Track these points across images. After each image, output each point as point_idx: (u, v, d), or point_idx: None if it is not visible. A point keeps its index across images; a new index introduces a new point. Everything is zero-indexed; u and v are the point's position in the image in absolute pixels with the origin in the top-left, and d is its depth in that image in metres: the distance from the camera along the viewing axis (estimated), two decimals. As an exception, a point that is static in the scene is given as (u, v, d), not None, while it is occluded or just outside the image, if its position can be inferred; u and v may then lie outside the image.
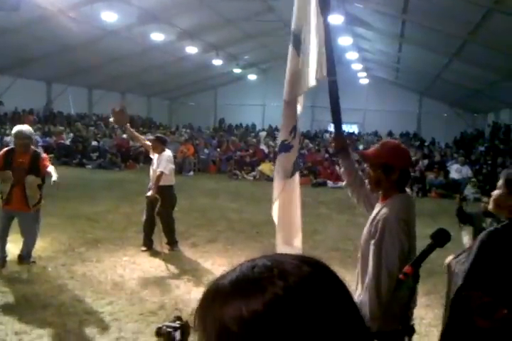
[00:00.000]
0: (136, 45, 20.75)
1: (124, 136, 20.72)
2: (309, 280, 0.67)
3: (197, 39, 21.70)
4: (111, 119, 7.04)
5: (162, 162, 6.63)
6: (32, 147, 5.82)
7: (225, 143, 21.37)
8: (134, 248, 6.86)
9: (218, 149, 20.62)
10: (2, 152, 5.72)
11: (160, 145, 6.81)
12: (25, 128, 5.67)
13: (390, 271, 2.31)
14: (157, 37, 20.08)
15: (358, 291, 2.52)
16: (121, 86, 27.96)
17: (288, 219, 3.35)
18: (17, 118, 22.68)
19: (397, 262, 2.30)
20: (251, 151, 19.66)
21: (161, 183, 6.58)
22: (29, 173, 5.56)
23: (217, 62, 25.52)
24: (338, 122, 3.08)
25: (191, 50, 22.45)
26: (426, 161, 17.59)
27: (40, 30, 17.44)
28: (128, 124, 6.83)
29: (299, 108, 3.30)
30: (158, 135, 7.53)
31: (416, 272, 2.01)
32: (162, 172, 6.56)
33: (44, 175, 5.68)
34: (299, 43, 3.19)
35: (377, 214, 2.49)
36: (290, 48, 3.25)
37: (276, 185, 3.37)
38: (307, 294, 0.65)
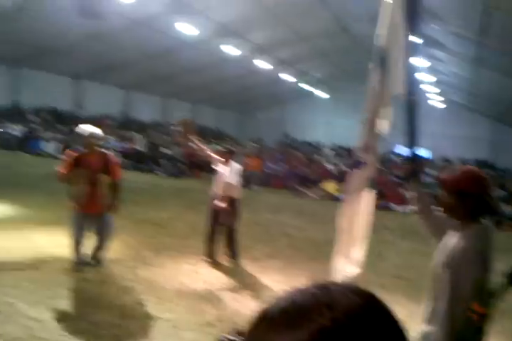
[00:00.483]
0: (210, 58, 21.39)
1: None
2: (359, 312, 0.64)
3: (269, 54, 22.05)
4: (176, 128, 7.05)
5: (231, 174, 6.74)
6: (101, 148, 5.86)
7: (290, 158, 21.42)
8: (196, 256, 6.98)
9: (283, 164, 20.69)
10: (71, 154, 5.73)
11: (228, 157, 6.91)
12: (94, 128, 5.76)
13: (463, 304, 2.24)
14: (231, 50, 20.60)
15: (426, 322, 2.46)
16: (193, 96, 28.81)
17: (348, 231, 3.31)
18: (95, 122, 23.86)
19: (472, 295, 2.23)
20: (316, 169, 19.58)
21: (228, 195, 6.69)
22: (101, 173, 5.63)
23: (288, 77, 25.75)
24: (412, 143, 3.03)
25: (263, 64, 22.81)
26: (500, 192, 16.80)
27: (122, 39, 18.36)
28: (192, 137, 6.87)
29: (384, 127, 3.24)
30: (227, 146, 7.63)
31: (487, 312, 1.94)
32: (230, 184, 6.67)
33: (114, 179, 5.77)
34: (383, 61, 3.18)
35: (452, 244, 2.42)
36: (373, 66, 3.23)
37: (345, 198, 3.36)
38: (356, 326, 0.62)
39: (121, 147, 19.62)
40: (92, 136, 5.66)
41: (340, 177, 16.22)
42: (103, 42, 18.36)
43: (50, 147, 19.21)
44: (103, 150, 5.93)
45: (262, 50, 21.49)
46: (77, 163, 5.59)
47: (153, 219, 9.33)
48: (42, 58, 19.79)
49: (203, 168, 19.39)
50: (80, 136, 5.73)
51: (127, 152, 19.32)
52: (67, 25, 14.25)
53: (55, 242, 6.69)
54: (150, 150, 20.37)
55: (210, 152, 7.20)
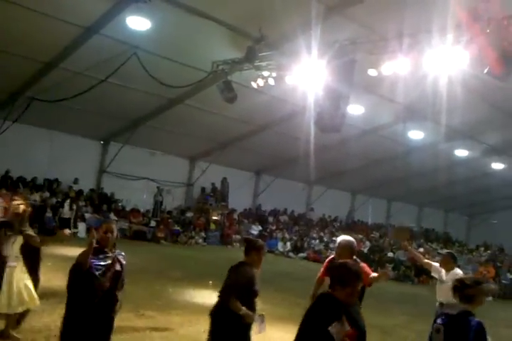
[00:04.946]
0: (439, 161, 21.19)
1: (421, 249, 20.57)
2: None
3: (504, 155, 20.97)
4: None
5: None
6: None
7: (534, 268, 19.04)
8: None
9: (525, 274, 18.45)
10: (326, 262, 6.04)
11: (451, 261, 6.69)
12: (347, 237, 5.90)
13: None
14: (461, 153, 20.21)
15: None
16: (419, 199, 28.41)
17: None
18: (323, 223, 25.28)
19: None
20: None
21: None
22: None
23: (528, 178, 23.73)
24: None
25: (497, 166, 21.65)
26: None
27: (352, 147, 19.63)
28: (406, 242, 6.73)
29: None
30: (450, 251, 7.37)
31: None
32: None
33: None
34: None
35: None
36: None
37: None
38: None
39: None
40: (338, 244, 5.86)
41: None
42: (333, 150, 19.90)
43: (283, 246, 20.82)
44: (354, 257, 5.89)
45: (496, 152, 20.57)
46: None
47: (379, 325, 9.15)
48: (279, 167, 22.32)
49: (431, 274, 18.49)
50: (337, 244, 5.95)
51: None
52: (303, 139, 16.02)
53: (288, 338, 7.10)
54: (373, 252, 20.39)
55: (426, 259, 7.06)
